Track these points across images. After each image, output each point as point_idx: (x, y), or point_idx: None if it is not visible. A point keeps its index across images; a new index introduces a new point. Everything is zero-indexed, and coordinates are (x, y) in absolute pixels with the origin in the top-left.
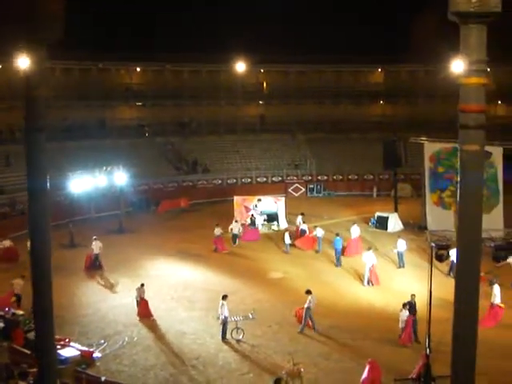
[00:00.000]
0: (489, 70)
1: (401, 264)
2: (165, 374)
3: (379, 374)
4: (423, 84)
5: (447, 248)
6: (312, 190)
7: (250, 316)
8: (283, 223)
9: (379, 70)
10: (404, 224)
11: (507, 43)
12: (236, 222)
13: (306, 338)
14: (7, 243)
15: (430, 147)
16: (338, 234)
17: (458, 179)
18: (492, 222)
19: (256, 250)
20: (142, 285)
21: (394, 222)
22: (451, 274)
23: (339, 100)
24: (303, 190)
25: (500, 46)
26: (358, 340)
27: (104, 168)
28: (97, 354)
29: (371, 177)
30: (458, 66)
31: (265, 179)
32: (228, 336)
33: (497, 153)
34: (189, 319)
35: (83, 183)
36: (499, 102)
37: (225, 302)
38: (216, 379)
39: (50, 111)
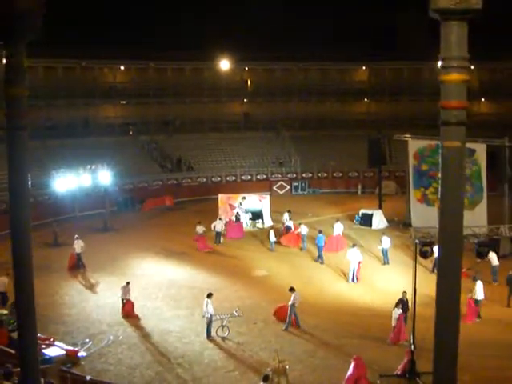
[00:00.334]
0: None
1: (385, 261)
2: (150, 372)
3: (364, 371)
4: (407, 81)
5: (431, 245)
6: (297, 187)
7: (235, 313)
8: (268, 221)
9: (364, 67)
10: (388, 221)
11: (490, 41)
12: (220, 219)
13: (291, 335)
14: None
15: (414, 144)
16: (320, 231)
17: (440, 175)
18: (476, 219)
19: (241, 248)
20: (128, 283)
21: (379, 219)
22: (435, 270)
23: (324, 98)
24: (288, 187)
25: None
26: (342, 337)
27: (88, 167)
28: (82, 353)
29: (356, 174)
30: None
31: (249, 177)
32: (213, 334)
33: (480, 150)
34: (174, 317)
35: (67, 182)
36: (482, 100)
37: (210, 301)
38: (201, 377)
39: (33, 110)
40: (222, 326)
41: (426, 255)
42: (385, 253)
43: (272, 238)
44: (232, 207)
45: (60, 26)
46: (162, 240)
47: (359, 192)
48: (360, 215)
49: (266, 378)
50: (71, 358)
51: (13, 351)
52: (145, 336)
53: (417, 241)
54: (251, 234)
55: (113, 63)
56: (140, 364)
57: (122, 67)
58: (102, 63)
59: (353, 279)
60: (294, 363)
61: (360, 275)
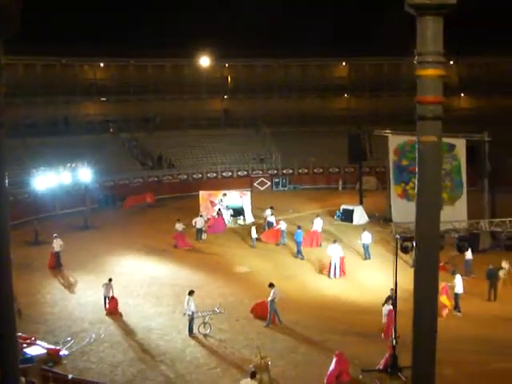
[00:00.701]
0: (451, 62)
1: (367, 256)
2: (133, 370)
3: (346, 366)
4: (387, 77)
5: (412, 240)
6: (277, 183)
7: (217, 310)
8: (249, 217)
9: (344, 63)
10: (369, 216)
11: (469, 36)
12: (201, 216)
13: (273, 331)
14: None
15: (395, 140)
16: (299, 227)
17: (417, 170)
18: (456, 214)
19: (222, 245)
20: (110, 280)
21: (360, 215)
22: None
23: (305, 94)
24: (269, 183)
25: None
26: (324, 333)
27: (68, 164)
28: (63, 352)
29: (336, 170)
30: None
31: (230, 174)
32: (195, 331)
33: (460, 145)
34: (156, 315)
35: (47, 180)
36: (462, 95)
37: (191, 298)
38: (184, 374)
39: (12, 107)
40: (204, 323)
41: (406, 250)
42: (366, 248)
43: (254, 234)
44: (213, 204)
45: (39, 22)
46: (142, 237)
47: (340, 188)
48: (341, 211)
49: (253, 375)
50: (53, 356)
51: None
52: (127, 334)
53: (397, 236)
54: (233, 230)
55: (93, 60)
56: (122, 362)
57: (102, 64)
58: (82, 60)
59: (334, 275)
60: (275, 359)
61: (345, 270)
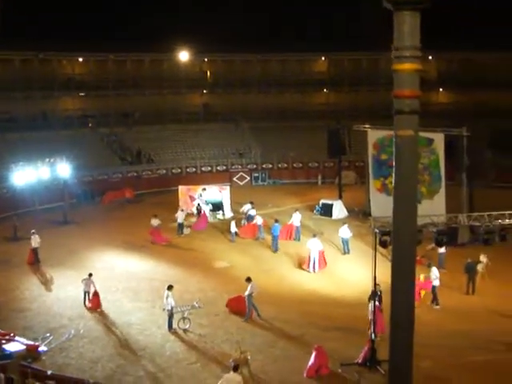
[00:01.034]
0: (430, 57)
1: (346, 250)
2: (112, 365)
3: (326, 360)
4: (366, 72)
5: (391, 234)
6: (257, 178)
7: (196, 305)
8: (228, 212)
9: (323, 58)
10: (348, 211)
11: (448, 31)
12: (182, 211)
13: (252, 326)
14: None
15: (374, 135)
16: (277, 221)
17: (394, 164)
18: (434, 208)
19: (201, 240)
20: (90, 275)
21: (339, 209)
22: None
23: (284, 89)
24: (248, 178)
25: (441, 34)
26: (303, 327)
27: (47, 160)
28: (42, 348)
29: (316, 164)
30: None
31: (209, 168)
32: (175, 326)
33: (438, 139)
34: (135, 310)
35: (26, 175)
36: (440, 89)
37: (170, 293)
38: (164, 369)
39: None
40: (184, 318)
41: (385, 244)
42: (345, 242)
43: (233, 229)
44: (192, 199)
45: (17, 17)
46: (121, 233)
47: (319, 182)
48: (320, 205)
49: (235, 368)
50: (32, 352)
51: None
52: (106, 329)
53: (376, 230)
54: (212, 225)
55: (71, 55)
56: (101, 357)
57: (81, 59)
58: (61, 55)
59: (313, 269)
60: (255, 354)
61: (323, 263)
